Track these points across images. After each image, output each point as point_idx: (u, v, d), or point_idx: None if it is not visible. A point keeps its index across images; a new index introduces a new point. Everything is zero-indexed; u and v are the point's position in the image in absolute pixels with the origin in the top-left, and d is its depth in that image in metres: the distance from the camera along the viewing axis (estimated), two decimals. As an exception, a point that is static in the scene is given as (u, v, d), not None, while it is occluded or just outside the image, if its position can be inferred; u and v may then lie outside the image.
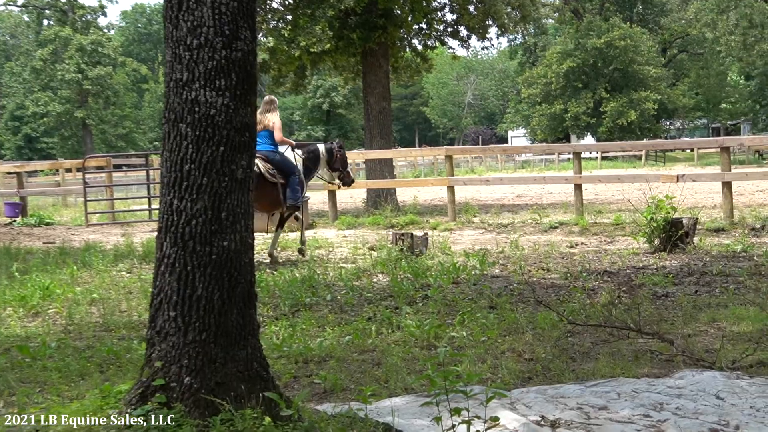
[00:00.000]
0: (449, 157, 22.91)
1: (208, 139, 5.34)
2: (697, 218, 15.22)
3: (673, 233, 14.09)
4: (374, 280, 12.57)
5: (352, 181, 16.90)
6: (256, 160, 14.68)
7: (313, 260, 14.29)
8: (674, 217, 14.37)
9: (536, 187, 34.86)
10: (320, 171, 16.24)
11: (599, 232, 17.73)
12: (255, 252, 5.86)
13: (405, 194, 32.00)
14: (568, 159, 60.49)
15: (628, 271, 12.56)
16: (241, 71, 5.44)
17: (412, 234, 14.79)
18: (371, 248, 16.05)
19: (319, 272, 12.92)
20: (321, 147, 16.11)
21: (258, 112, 15.01)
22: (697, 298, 10.20)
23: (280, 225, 15.74)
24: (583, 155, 60.80)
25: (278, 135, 15.08)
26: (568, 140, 79.57)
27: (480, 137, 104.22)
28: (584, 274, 12.08)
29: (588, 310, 9.37)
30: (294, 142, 15.99)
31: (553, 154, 62.29)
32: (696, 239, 14.70)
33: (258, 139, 15.01)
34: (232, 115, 5.39)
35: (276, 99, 15.62)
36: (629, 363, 7.34)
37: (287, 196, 15.10)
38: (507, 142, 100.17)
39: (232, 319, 5.40)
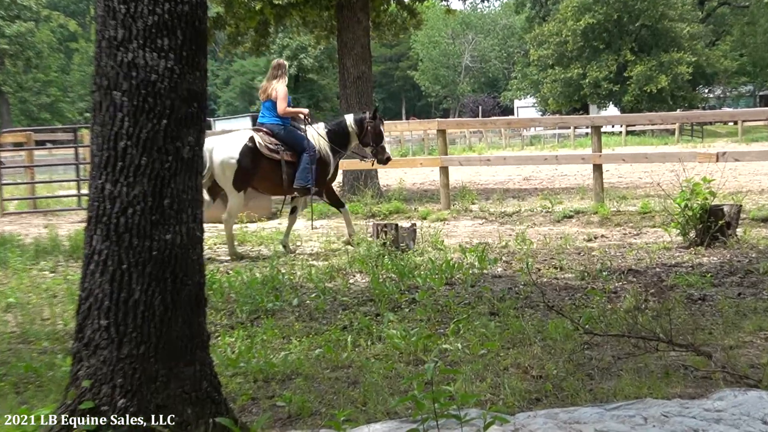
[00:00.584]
0: (442, 132, 22.89)
1: (148, 111, 5.31)
2: (741, 205, 15.26)
3: (711, 223, 14.12)
4: (351, 280, 12.60)
5: (388, 159, 16.97)
6: (256, 135, 15.08)
7: (276, 257, 14.27)
8: (713, 204, 14.41)
9: (547, 168, 34.92)
10: (352, 146, 16.62)
11: (623, 222, 17.78)
12: (205, 247, 5.83)
13: (389, 177, 32.01)
14: (586, 134, 60.65)
15: (657, 269, 12.61)
16: (188, 28, 5.41)
17: (396, 225, 14.78)
18: (347, 242, 16.06)
19: (284, 271, 12.92)
20: (349, 119, 16.36)
21: (265, 78, 15.73)
22: (741, 301, 10.23)
23: (293, 212, 16.28)
24: (604, 129, 60.93)
25: (280, 107, 15.41)
26: (587, 111, 79.78)
27: (480, 108, 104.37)
28: (604, 274, 12.11)
29: (609, 317, 9.38)
30: (306, 111, 16.26)
31: (568, 128, 62.45)
32: (740, 231, 14.76)
33: (263, 111, 15.61)
34: (177, 81, 5.36)
35: (285, 63, 16.01)
36: (658, 381, 7.35)
37: (296, 178, 15.39)
38: (512, 114, 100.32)
39: (176, 329, 5.38)
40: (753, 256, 13.24)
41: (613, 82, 76.30)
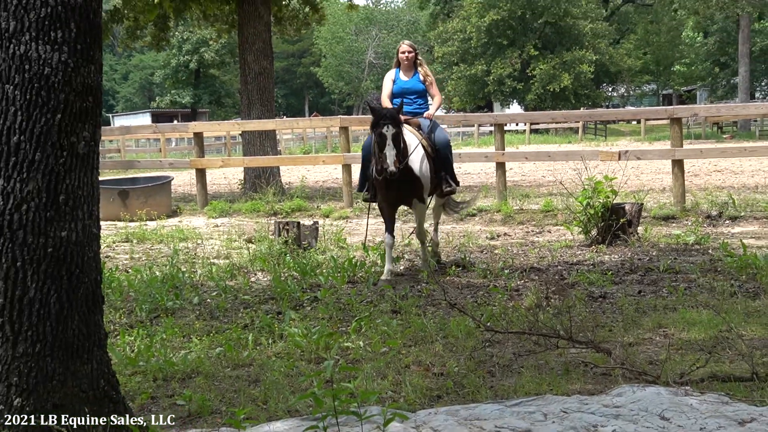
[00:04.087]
0: (345, 129, 22.91)
1: (41, 105, 5.28)
2: (642, 204, 15.49)
3: (613, 222, 14.32)
4: (252, 279, 12.61)
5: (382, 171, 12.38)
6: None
7: (176, 255, 14.20)
8: (615, 202, 14.62)
9: (451, 166, 35.10)
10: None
11: (526, 220, 17.95)
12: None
13: (291, 174, 31.98)
14: (490, 132, 60.98)
15: (559, 267, 12.78)
16: (82, 20, 5.38)
17: (298, 223, 14.80)
18: (249, 240, 16.04)
19: (184, 270, 12.87)
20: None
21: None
22: (641, 299, 10.41)
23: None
24: (507, 128, 61.37)
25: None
26: (491, 109, 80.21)
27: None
28: (506, 272, 12.27)
29: (510, 315, 9.51)
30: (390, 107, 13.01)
31: (472, 125, 62.63)
32: (641, 229, 14.98)
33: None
34: (71, 75, 5.33)
35: (403, 44, 13.96)
36: (558, 378, 7.47)
37: None
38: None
39: (72, 327, 5.35)
40: (653, 254, 13.47)
41: (517, 80, 76.73)
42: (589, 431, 6.08)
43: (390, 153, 11.96)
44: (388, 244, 12.72)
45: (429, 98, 13.81)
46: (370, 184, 13.01)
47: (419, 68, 13.61)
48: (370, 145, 12.80)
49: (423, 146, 12.81)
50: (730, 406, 6.46)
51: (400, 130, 12.22)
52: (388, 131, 12.02)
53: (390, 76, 13.64)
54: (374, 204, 13.36)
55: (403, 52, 13.56)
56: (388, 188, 12.53)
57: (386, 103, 13.31)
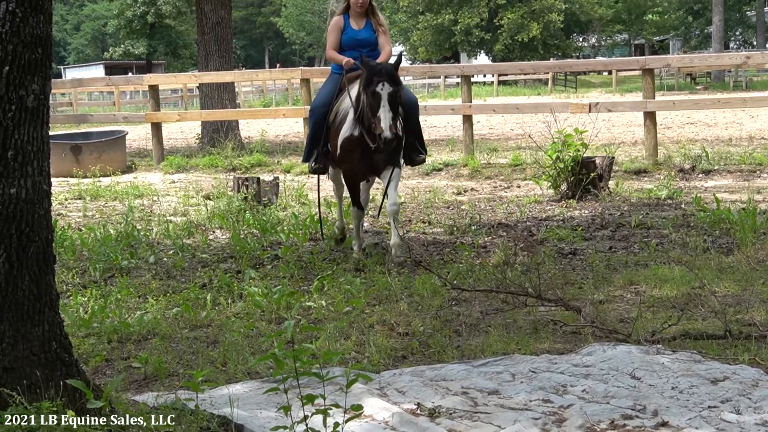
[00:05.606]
0: (306, 81, 22.85)
1: (-12, 57, 5.24)
2: (613, 157, 15.54)
3: (583, 176, 14.36)
4: (210, 237, 12.61)
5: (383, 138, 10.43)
6: None
7: (131, 212, 14.15)
8: (585, 156, 14.65)
9: (416, 119, 35.12)
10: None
11: (493, 175, 17.98)
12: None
13: (250, 128, 31.87)
14: (457, 84, 60.94)
15: (527, 223, 12.82)
16: (30, -32, 5.33)
17: (258, 179, 14.78)
18: (207, 197, 16.02)
19: (139, 228, 12.84)
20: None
21: None
22: (612, 255, 10.47)
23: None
24: (475, 79, 61.37)
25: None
26: (457, 60, 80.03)
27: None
28: (474, 228, 12.31)
29: (477, 273, 9.55)
30: (344, 60, 11.58)
31: (438, 77, 62.52)
32: (612, 183, 15.04)
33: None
34: (19, 25, 5.27)
35: None
36: (527, 337, 7.50)
37: None
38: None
39: (23, 288, 5.32)
40: (625, 209, 13.53)
41: (484, 30, 76.61)
42: (558, 391, 6.11)
43: (385, 116, 10.23)
44: (357, 216, 11.33)
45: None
46: (320, 152, 11.47)
47: (372, 17, 11.82)
48: (323, 104, 11.57)
49: None
50: (703, 365, 6.51)
51: (398, 89, 10.56)
52: (383, 89, 10.34)
53: (337, 23, 11.76)
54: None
55: None
56: (364, 157, 10.86)
57: (333, 55, 11.70)
